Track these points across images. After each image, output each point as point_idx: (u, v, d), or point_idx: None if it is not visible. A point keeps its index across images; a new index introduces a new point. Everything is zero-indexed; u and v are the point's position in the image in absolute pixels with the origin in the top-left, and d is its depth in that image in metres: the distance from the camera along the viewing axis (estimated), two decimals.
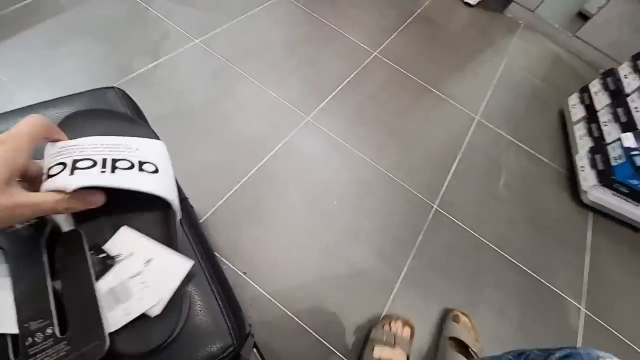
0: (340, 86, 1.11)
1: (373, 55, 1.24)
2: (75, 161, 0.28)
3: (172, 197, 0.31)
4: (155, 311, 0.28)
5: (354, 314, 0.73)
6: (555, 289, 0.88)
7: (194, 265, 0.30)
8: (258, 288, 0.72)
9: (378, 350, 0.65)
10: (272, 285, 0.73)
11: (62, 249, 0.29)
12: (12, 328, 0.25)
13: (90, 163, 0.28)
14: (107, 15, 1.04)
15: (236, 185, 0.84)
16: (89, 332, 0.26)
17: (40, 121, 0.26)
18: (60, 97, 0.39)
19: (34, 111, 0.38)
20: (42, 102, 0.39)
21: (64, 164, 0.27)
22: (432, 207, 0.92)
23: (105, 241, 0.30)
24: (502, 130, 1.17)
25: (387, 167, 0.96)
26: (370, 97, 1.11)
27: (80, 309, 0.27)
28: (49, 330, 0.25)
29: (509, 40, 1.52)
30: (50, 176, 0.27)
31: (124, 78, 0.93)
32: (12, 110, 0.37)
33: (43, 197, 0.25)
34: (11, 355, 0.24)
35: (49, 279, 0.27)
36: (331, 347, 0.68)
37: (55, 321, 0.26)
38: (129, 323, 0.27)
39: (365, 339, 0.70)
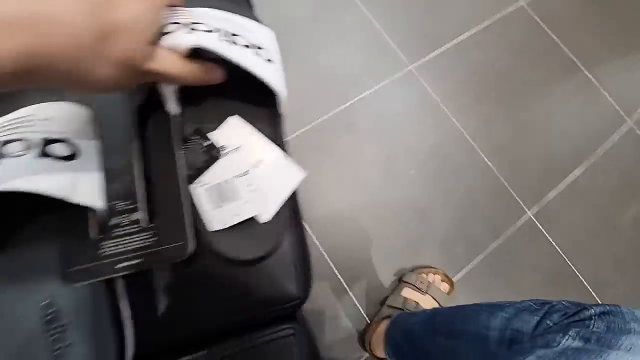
0: (462, 36, 0.89)
1: (519, 4, 0.95)
2: (193, 22, 0.23)
3: (285, 94, 0.26)
4: (265, 217, 0.25)
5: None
6: None
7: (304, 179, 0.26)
8: (308, 231, 0.68)
9: (407, 291, 0.62)
10: (323, 235, 0.69)
11: (153, 132, 0.25)
12: (98, 202, 0.22)
13: (208, 28, 0.23)
14: None
15: (312, 122, 0.76)
16: (174, 230, 0.23)
17: None
18: None
19: None
20: None
21: (180, 24, 0.22)
22: (526, 214, 0.76)
23: (210, 130, 0.26)
24: None
25: (486, 150, 0.79)
26: (495, 59, 0.89)
27: (167, 205, 0.24)
28: (135, 216, 0.23)
29: None
30: (164, 34, 0.22)
31: None
32: None
33: (172, 65, 0.21)
34: (93, 232, 0.22)
35: (139, 160, 0.24)
36: (363, 313, 0.65)
37: (144, 206, 0.23)
38: (234, 226, 0.24)
39: (399, 280, 0.67)
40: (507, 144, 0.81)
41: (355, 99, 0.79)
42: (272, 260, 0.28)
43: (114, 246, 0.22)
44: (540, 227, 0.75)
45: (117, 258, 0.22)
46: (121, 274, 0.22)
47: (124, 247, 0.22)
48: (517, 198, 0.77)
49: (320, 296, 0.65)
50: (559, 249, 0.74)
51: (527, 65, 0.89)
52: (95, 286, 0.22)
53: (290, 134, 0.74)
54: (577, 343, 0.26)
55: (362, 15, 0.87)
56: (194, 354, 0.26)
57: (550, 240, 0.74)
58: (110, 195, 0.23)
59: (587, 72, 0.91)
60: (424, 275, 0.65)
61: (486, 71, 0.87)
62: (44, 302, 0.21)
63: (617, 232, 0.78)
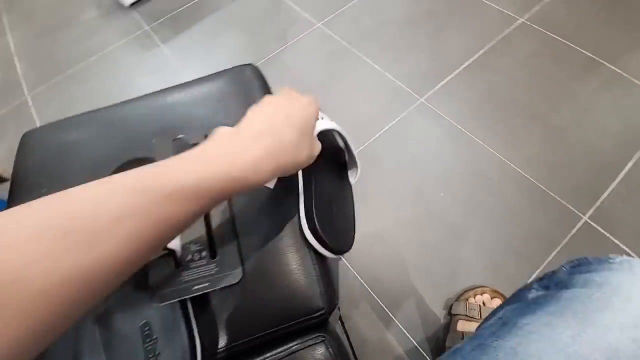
0: (467, 62, 0.96)
1: (519, 22, 1.01)
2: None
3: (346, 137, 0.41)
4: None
5: (442, 316, 0.65)
6: None
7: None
8: (349, 266, 0.73)
9: (462, 324, 0.60)
10: (363, 267, 0.72)
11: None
12: (178, 246, 0.33)
13: (322, 115, 0.38)
14: (253, 7, 1.19)
15: None
16: (230, 262, 0.33)
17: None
18: (210, 75, 0.49)
19: (191, 86, 0.48)
20: (196, 79, 0.49)
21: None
22: (581, 218, 0.71)
23: None
24: None
25: (519, 162, 0.79)
26: (507, 76, 0.92)
27: (225, 245, 0.34)
28: (204, 254, 0.33)
29: None
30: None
31: (259, 62, 1.06)
32: (180, 84, 0.49)
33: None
34: (175, 265, 0.33)
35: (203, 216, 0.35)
36: (412, 340, 0.64)
37: (207, 247, 0.34)
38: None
39: (449, 313, 0.65)
40: (540, 151, 0.80)
41: (374, 137, 0.87)
42: (298, 276, 0.34)
43: (189, 275, 0.32)
44: (600, 229, 0.69)
45: (192, 283, 0.31)
46: (196, 294, 0.30)
47: (197, 275, 0.32)
48: (566, 204, 0.73)
49: (368, 331, 0.67)
50: (627, 249, 0.67)
51: (542, 73, 0.91)
52: (176, 307, 0.31)
53: None
54: (539, 293, 0.28)
55: (370, 67, 0.99)
56: None
57: (616, 241, 0.68)
58: (186, 240, 0.34)
59: (610, 66, 0.89)
60: (471, 299, 0.63)
61: (500, 87, 0.91)
62: (142, 322, 0.30)
63: None
